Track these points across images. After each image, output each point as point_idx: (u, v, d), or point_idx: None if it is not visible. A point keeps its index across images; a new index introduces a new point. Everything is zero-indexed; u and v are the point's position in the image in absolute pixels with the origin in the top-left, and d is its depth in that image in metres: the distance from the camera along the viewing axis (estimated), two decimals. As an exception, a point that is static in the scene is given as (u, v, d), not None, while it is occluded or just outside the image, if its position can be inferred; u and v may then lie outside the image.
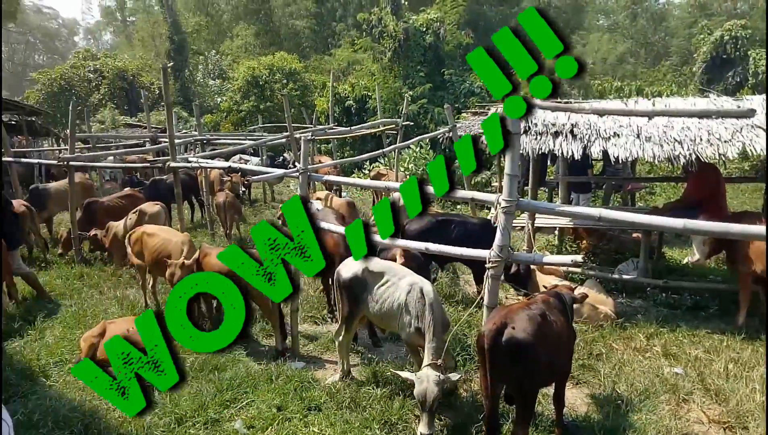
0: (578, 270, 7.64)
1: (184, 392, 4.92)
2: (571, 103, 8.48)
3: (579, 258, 4.26)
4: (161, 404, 4.71)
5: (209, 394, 4.89)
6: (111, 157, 14.76)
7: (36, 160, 12.90)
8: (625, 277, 7.57)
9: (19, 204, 9.26)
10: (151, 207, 8.82)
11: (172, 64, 19.61)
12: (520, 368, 3.78)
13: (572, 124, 7.51)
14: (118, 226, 8.46)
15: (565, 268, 7.41)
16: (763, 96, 7.44)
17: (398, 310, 4.67)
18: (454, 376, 4.29)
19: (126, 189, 11.51)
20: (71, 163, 9.35)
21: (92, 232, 8.74)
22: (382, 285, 4.84)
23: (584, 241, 9.09)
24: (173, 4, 37.81)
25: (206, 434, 4.41)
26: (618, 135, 7.21)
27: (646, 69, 28.73)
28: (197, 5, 41.66)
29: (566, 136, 7.47)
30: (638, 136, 7.08)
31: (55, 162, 10.71)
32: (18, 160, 11.52)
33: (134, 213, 8.54)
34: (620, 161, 7.52)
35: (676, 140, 6.84)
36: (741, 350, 5.83)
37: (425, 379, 4.11)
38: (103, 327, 5.65)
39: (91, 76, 32.80)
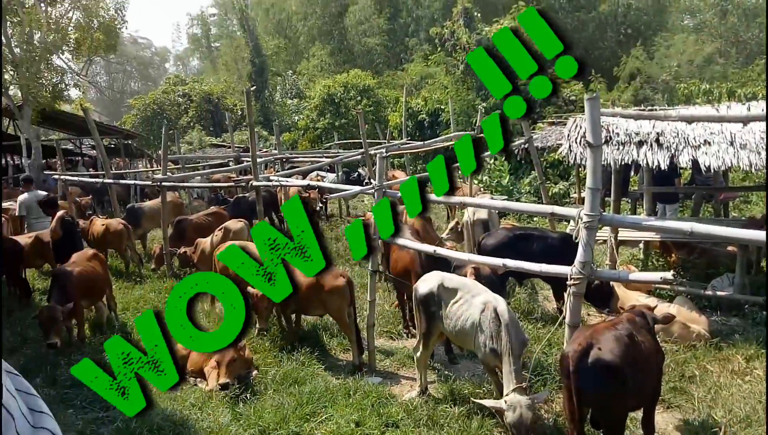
0: (667, 286, 7.21)
1: (267, 404, 5.09)
2: (655, 109, 8.08)
3: (669, 275, 4.02)
4: (245, 416, 4.90)
5: (290, 407, 5.03)
6: (198, 177, 15.65)
7: (132, 182, 13.89)
8: (719, 293, 7.04)
9: (117, 222, 10.02)
10: (235, 224, 9.24)
11: (254, 87, 20.57)
12: (607, 391, 3.62)
13: (657, 133, 7.14)
14: (205, 242, 8.93)
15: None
16: None
17: (472, 329, 4.56)
18: (542, 395, 4.16)
19: (212, 207, 12.16)
20: (163, 183, 10.01)
21: (181, 250, 9.26)
22: (456, 302, 4.76)
23: (673, 255, 8.57)
24: (254, 28, 39.83)
25: (288, 447, 4.52)
26: (709, 143, 6.78)
27: (737, 69, 26.78)
28: (276, 28, 43.53)
29: (651, 145, 7.12)
30: (732, 144, 6.63)
31: (149, 183, 11.50)
32: (117, 182, 12.45)
33: (219, 230, 8.98)
34: (711, 170, 7.06)
35: (777, 146, 6.34)
36: None
37: (517, 406, 3.94)
38: (192, 339, 5.98)
39: (180, 100, 35.08)
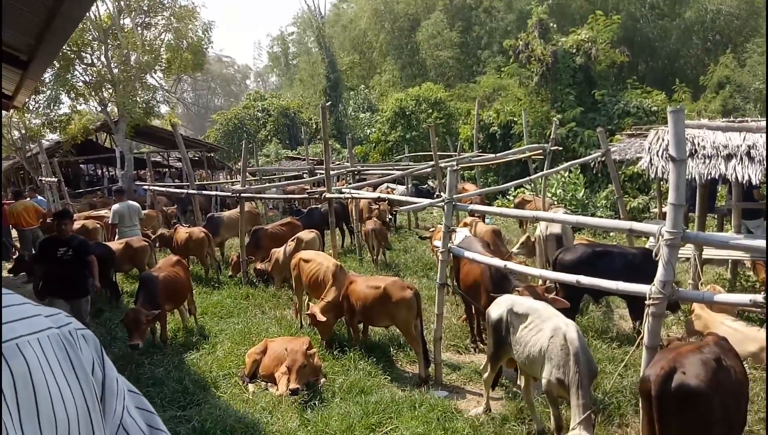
0: (758, 310, 6.69)
1: (333, 412, 5.18)
2: (745, 120, 7.58)
3: (759, 297, 3.73)
4: (313, 422, 5.01)
5: (356, 416, 5.08)
6: (274, 189, 16.24)
7: (213, 193, 14.62)
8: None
9: (199, 230, 10.58)
10: (307, 234, 9.52)
11: (329, 102, 21.14)
12: (692, 419, 3.41)
13: (749, 146, 6.70)
14: (279, 252, 9.25)
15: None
16: None
17: (540, 357, 4.26)
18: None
19: (286, 217, 12.57)
20: (242, 194, 10.48)
21: (257, 265, 9.65)
22: (526, 327, 4.51)
23: (763, 274, 7.95)
24: (330, 45, 41.03)
25: (353, 455, 4.57)
26: (808, 155, 6.28)
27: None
28: (351, 44, 44.57)
29: (741, 158, 6.68)
30: (835, 156, 6.11)
31: (229, 194, 12.06)
32: (200, 192, 13.16)
33: (293, 240, 9.28)
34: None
35: None
36: None
37: None
38: (265, 345, 6.20)
39: (259, 114, 36.69)
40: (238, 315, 8.34)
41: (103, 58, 19.92)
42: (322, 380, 5.83)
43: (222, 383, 6.04)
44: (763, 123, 7.04)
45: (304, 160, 22.15)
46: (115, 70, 20.08)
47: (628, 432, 4.74)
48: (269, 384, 5.88)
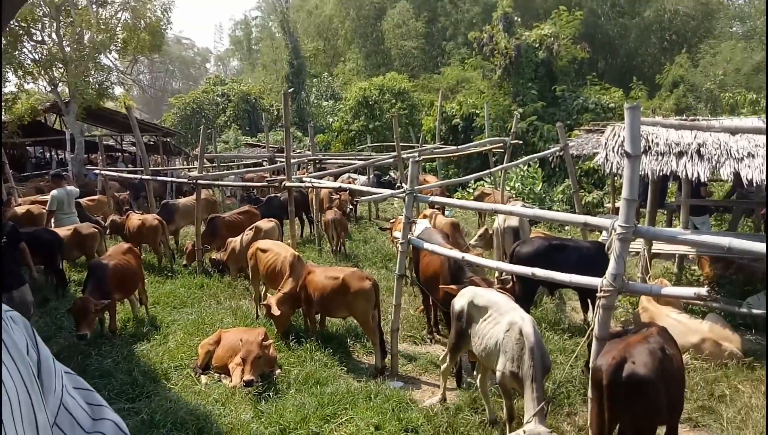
0: (701, 302, 6.97)
1: (288, 404, 5.12)
2: (697, 118, 7.83)
3: (704, 291, 3.86)
4: (267, 414, 4.93)
5: (311, 407, 5.04)
6: (233, 176, 15.91)
7: (169, 179, 14.22)
8: (755, 311, 6.77)
9: (152, 218, 10.26)
10: (266, 223, 9.36)
11: (291, 88, 20.86)
12: (641, 405, 3.52)
13: (699, 144, 6.92)
14: (236, 241, 9.06)
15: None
16: None
17: (496, 349, 4.30)
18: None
19: (244, 205, 12.33)
20: (199, 181, 10.20)
21: (212, 255, 9.47)
22: (484, 320, 4.55)
23: (707, 269, 8.29)
24: (294, 31, 40.37)
25: (307, 447, 4.53)
26: (753, 156, 6.52)
27: (789, 79, 25.70)
28: (317, 31, 43.99)
29: (692, 156, 6.89)
30: (778, 157, 6.36)
31: (185, 180, 11.74)
32: (154, 178, 12.76)
33: (250, 229, 9.11)
34: (754, 183, 6.79)
35: (826, 161, 6.06)
36: None
37: None
38: (218, 336, 6.07)
39: (219, 99, 35.84)
40: (192, 305, 8.15)
41: (54, 36, 19.06)
42: (278, 371, 5.76)
43: (173, 375, 5.89)
44: (714, 122, 7.27)
45: (264, 147, 21.77)
46: (67, 49, 19.24)
47: (577, 421, 4.86)
48: (222, 375, 5.77)
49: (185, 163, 24.94)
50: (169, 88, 69.54)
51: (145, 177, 12.14)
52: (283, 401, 5.20)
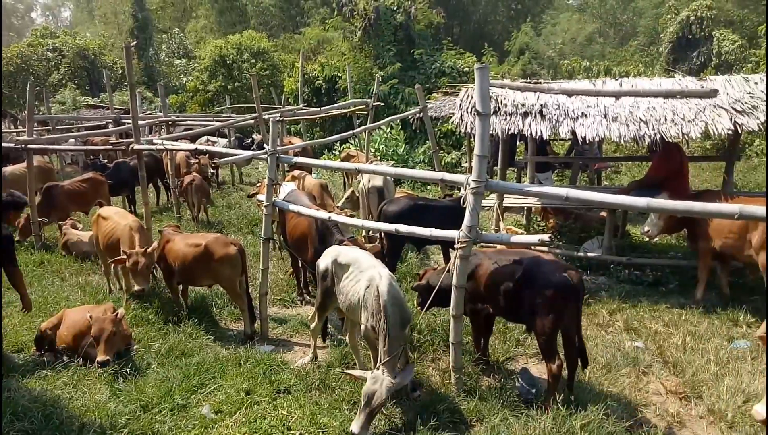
0: (545, 248, 7.74)
1: (150, 379, 4.85)
2: (540, 83, 8.51)
3: (546, 237, 4.28)
4: (126, 392, 4.62)
5: (176, 380, 4.82)
6: (72, 140, 14.26)
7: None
8: (590, 254, 7.70)
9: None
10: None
11: (135, 42, 18.94)
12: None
13: (541, 105, 7.54)
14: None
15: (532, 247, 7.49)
16: (725, 76, 7.58)
17: (359, 305, 4.47)
18: (405, 379, 4.15)
19: (88, 172, 11.15)
20: (29, 146, 8.99)
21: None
22: (347, 277, 4.68)
23: (551, 220, 9.22)
24: (137, -22, 36.50)
25: (173, 420, 4.32)
26: (586, 115, 7.27)
27: (614, 49, 28.87)
28: (162, -19, 40.34)
29: (535, 116, 7.50)
30: (605, 117, 7.16)
31: (12, 145, 10.28)
32: (-28, 143, 11.01)
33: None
34: (588, 141, 7.59)
35: (642, 120, 6.93)
36: (698, 323, 6.04)
37: (379, 380, 3.97)
38: (62, 315, 5.49)
39: (50, 54, 31.61)
40: (32, 284, 7.27)
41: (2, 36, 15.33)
42: (135, 347, 5.38)
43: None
44: (554, 85, 7.95)
45: (108, 108, 19.73)
46: None
47: (440, 365, 5.19)
48: (67, 357, 5.24)
49: (12, 126, 21.82)
50: (-15, 39, 59.92)
51: (-41, 142, 10.41)
52: (144, 377, 4.91)
